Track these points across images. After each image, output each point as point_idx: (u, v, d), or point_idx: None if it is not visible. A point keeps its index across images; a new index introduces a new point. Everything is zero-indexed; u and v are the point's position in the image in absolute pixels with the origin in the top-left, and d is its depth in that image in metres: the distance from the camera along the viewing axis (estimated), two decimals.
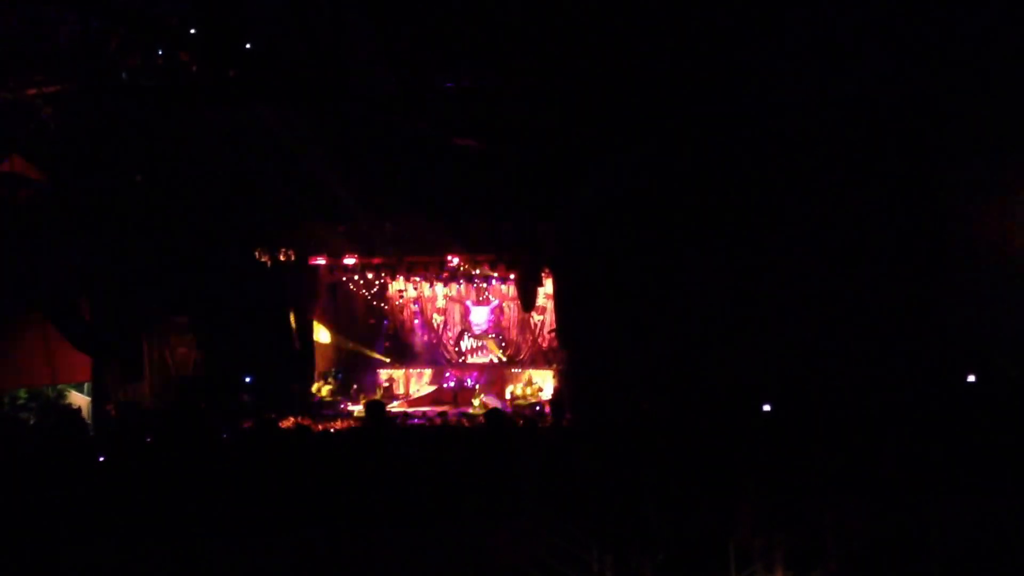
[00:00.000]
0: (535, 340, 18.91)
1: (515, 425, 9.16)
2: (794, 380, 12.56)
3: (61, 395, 15.59)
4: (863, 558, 7.05)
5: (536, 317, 18.73)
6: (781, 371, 13.27)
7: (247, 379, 18.00)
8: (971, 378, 11.64)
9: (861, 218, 13.50)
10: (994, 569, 6.79)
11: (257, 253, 16.85)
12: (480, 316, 19.50)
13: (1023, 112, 12.17)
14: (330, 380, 17.96)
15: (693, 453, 8.17)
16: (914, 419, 9.42)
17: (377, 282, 18.94)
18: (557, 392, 16.49)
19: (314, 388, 17.83)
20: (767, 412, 11.28)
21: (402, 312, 19.79)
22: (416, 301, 19.74)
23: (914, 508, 7.50)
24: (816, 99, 13.12)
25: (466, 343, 19.52)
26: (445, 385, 18.42)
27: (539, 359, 18.70)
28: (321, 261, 17.65)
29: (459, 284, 18.81)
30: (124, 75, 11.25)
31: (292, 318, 17.87)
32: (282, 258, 17.11)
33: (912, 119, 13.04)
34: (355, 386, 18.61)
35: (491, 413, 8.68)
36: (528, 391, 17.51)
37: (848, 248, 13.66)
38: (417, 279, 18.87)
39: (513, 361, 19.07)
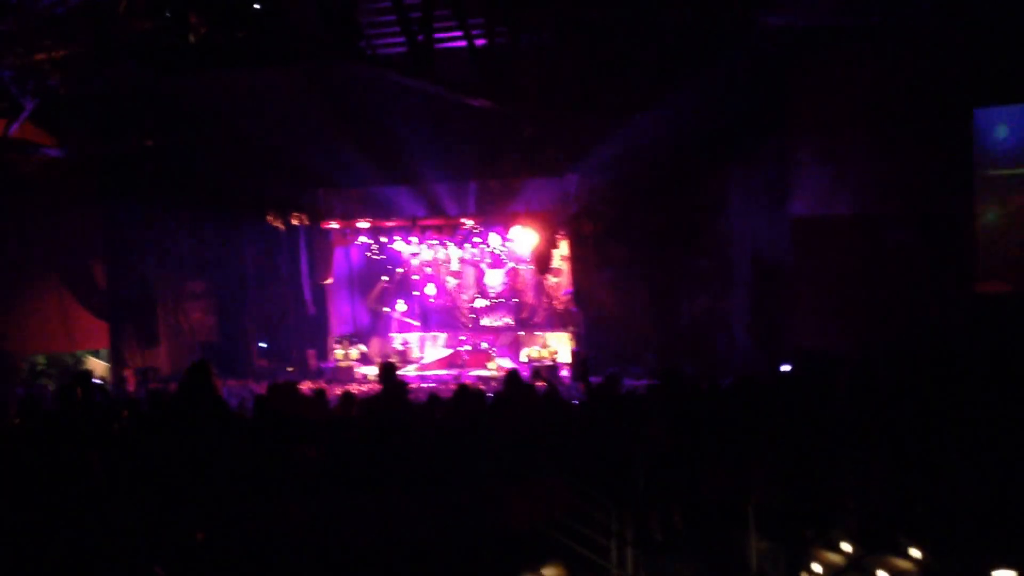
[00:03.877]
0: (550, 303, 18.84)
1: (533, 387, 9.12)
2: (816, 340, 12.50)
3: (80, 361, 15.71)
4: (882, 516, 7.02)
5: (551, 279, 18.66)
6: (803, 332, 13.21)
7: (262, 344, 18.10)
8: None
9: (886, 176, 13.29)
10: (1015, 528, 6.75)
11: (270, 217, 16.82)
12: (495, 279, 19.44)
13: None
14: (347, 344, 17.98)
15: (713, 414, 8.13)
16: (934, 378, 9.35)
17: (391, 246, 18.88)
18: (575, 355, 16.45)
19: (338, 353, 17.86)
20: (787, 372, 11.25)
21: (416, 276, 19.74)
22: (431, 264, 19.69)
23: (933, 467, 7.46)
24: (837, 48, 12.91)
25: (480, 306, 19.48)
26: (460, 348, 18.41)
27: (555, 321, 18.66)
28: (334, 225, 17.58)
29: (474, 247, 18.73)
30: (133, 38, 11.14)
31: (306, 283, 17.87)
32: (295, 222, 17.07)
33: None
34: (369, 350, 18.64)
35: (510, 375, 8.61)
36: (544, 354, 17.49)
37: (872, 204, 13.45)
38: (432, 242, 18.80)
39: (528, 324, 19.04)
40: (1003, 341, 11.36)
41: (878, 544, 7.03)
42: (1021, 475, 7.31)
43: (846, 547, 7.15)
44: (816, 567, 6.84)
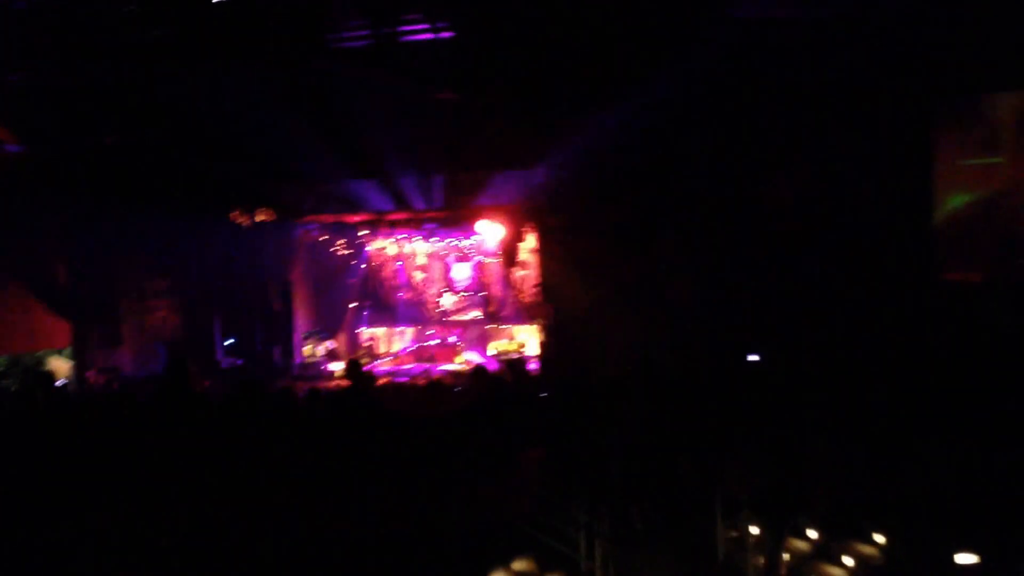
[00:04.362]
0: (518, 296, 18.86)
1: (503, 380, 9.14)
2: (782, 328, 12.64)
3: (40, 361, 15.48)
4: (848, 504, 7.12)
5: (519, 272, 18.67)
6: (768, 320, 13.34)
7: (227, 342, 17.96)
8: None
9: (854, 167, 13.49)
10: (977, 513, 6.87)
11: (235, 214, 16.67)
12: (462, 272, 19.43)
13: None
14: (315, 341, 17.90)
15: (680, 404, 8.19)
16: (902, 363, 9.49)
17: (357, 241, 18.79)
18: (543, 347, 16.49)
19: (305, 350, 17.77)
20: (753, 361, 11.35)
21: (383, 271, 19.68)
22: (397, 259, 19.63)
23: (897, 454, 7.57)
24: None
25: (448, 300, 19.46)
26: (427, 343, 18.39)
27: (522, 315, 18.69)
28: (299, 220, 17.47)
29: (440, 241, 18.70)
30: (93, 33, 10.99)
31: (271, 279, 17.75)
32: (260, 218, 16.93)
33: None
34: (336, 346, 18.56)
35: (477, 369, 8.63)
36: (511, 347, 17.52)
37: (839, 195, 13.66)
38: (398, 236, 18.74)
39: (495, 317, 19.05)
40: (971, 330, 11.56)
41: (843, 531, 7.14)
42: (983, 461, 7.45)
43: (812, 534, 7.25)
44: (783, 554, 6.93)
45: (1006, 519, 6.70)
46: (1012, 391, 8.48)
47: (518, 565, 6.78)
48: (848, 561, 7.03)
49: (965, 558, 6.46)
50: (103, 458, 6.17)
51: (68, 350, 15.91)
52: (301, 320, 18.74)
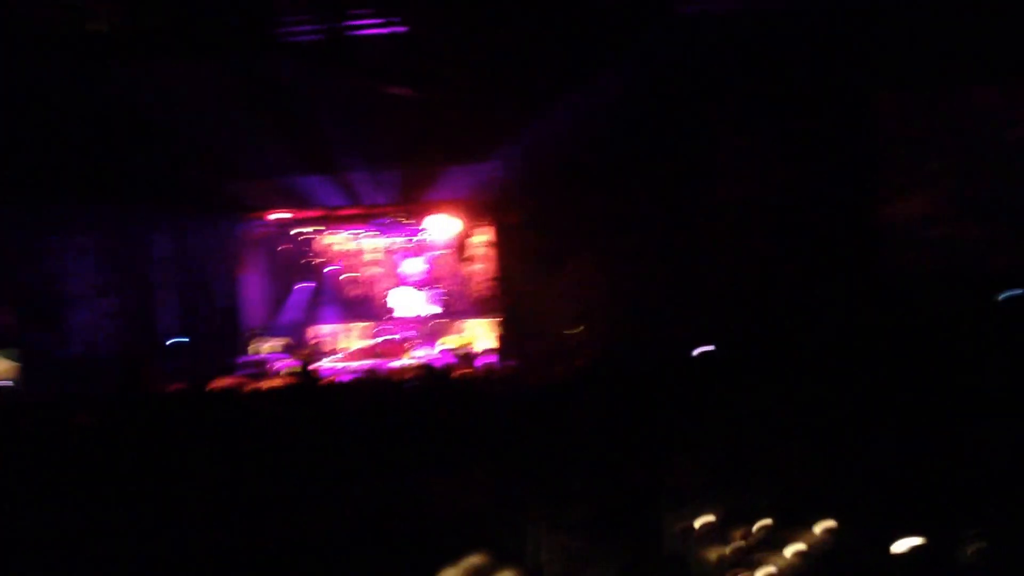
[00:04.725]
0: (471, 290, 18.84)
1: (452, 377, 9.14)
2: (730, 324, 12.81)
3: None
4: (794, 491, 7.22)
5: (472, 267, 18.67)
6: (718, 316, 13.51)
7: (172, 341, 17.71)
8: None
9: (799, 161, 13.74)
10: (919, 498, 7.02)
11: (183, 210, 16.42)
12: (414, 267, 19.35)
13: None
14: (264, 338, 17.73)
15: (628, 400, 8.25)
16: (849, 353, 9.65)
17: (307, 237, 18.63)
18: (498, 343, 16.52)
19: (252, 348, 17.59)
20: (702, 355, 11.46)
21: (333, 267, 19.52)
22: (348, 255, 19.49)
23: (842, 440, 7.71)
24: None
25: (399, 295, 19.37)
26: (378, 339, 18.29)
27: (475, 309, 18.67)
28: (250, 217, 17.27)
29: (392, 236, 18.60)
30: (34, 27, 10.77)
31: (219, 275, 17.52)
32: (209, 215, 16.70)
33: None
34: (285, 343, 18.40)
35: (426, 366, 8.62)
36: (463, 342, 17.51)
37: (787, 188, 13.90)
38: (350, 232, 18.60)
39: (448, 312, 19.01)
40: (908, 320, 11.82)
41: (789, 518, 7.23)
42: (925, 446, 7.61)
43: (760, 522, 7.33)
44: (728, 544, 7.00)
45: (949, 504, 6.85)
46: (954, 379, 8.68)
47: (468, 562, 6.76)
48: (793, 549, 7.12)
49: (905, 543, 6.59)
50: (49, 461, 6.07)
51: (10, 350, 15.63)
52: (249, 317, 18.52)
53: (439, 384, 8.24)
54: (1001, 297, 12.34)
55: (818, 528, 7.34)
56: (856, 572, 6.67)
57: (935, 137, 13.41)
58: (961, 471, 7.24)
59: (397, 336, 18.30)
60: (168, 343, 17.57)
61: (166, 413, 6.90)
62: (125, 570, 5.44)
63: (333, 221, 17.53)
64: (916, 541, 6.56)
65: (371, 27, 12.08)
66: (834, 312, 12.75)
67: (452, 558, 6.62)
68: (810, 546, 7.16)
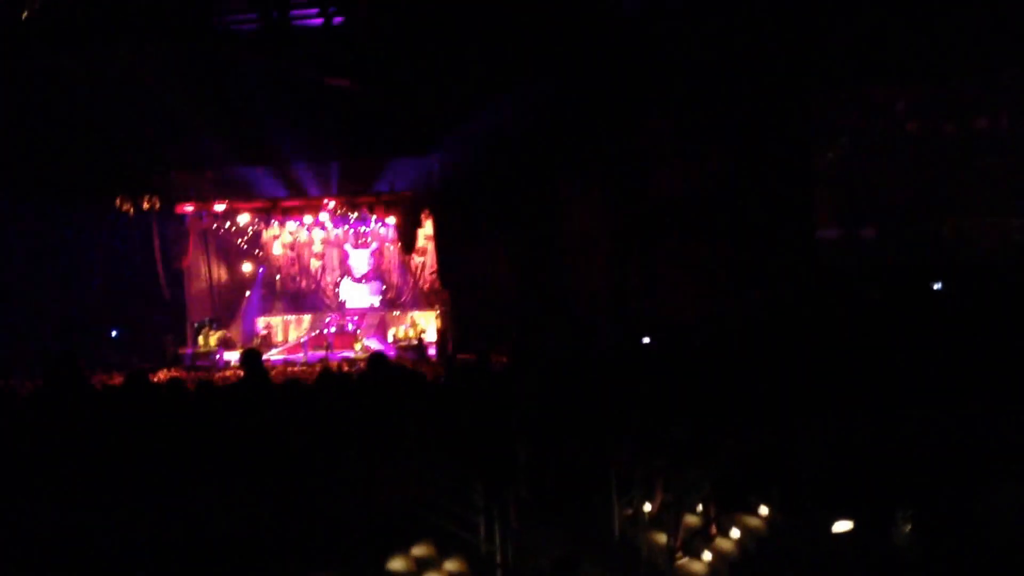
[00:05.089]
0: (416, 282, 18.84)
1: (398, 367, 9.15)
2: (674, 312, 13.04)
3: None
4: (734, 478, 7.41)
5: (417, 259, 18.65)
6: (662, 307, 13.74)
7: (114, 332, 17.44)
8: None
9: (733, 157, 14.03)
10: (851, 484, 7.27)
11: (118, 201, 16.13)
12: (360, 260, 19.28)
13: None
14: (207, 329, 17.53)
15: (575, 387, 8.35)
16: (784, 345, 9.89)
17: (250, 228, 18.43)
18: (441, 333, 16.54)
19: (199, 341, 17.39)
20: (646, 344, 11.64)
21: (278, 258, 19.36)
22: (293, 247, 19.34)
23: (783, 431, 7.93)
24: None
25: (346, 287, 19.30)
26: (326, 330, 18.20)
27: (421, 301, 18.68)
28: (189, 208, 17.03)
29: (337, 228, 18.50)
30: None
31: (160, 268, 17.27)
32: (146, 206, 16.42)
33: None
34: (231, 335, 18.21)
35: (374, 356, 8.59)
36: (411, 333, 17.50)
37: (723, 182, 14.19)
38: (293, 224, 18.45)
39: (395, 304, 18.99)
40: (842, 312, 12.18)
41: (731, 504, 7.43)
42: (857, 433, 7.86)
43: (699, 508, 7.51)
44: (675, 528, 7.17)
45: (879, 489, 7.09)
46: (886, 369, 8.98)
47: (417, 550, 6.83)
48: (735, 533, 7.31)
49: (842, 526, 6.82)
50: None
51: None
52: (194, 309, 18.28)
53: (387, 374, 8.23)
54: (931, 289, 12.76)
55: (757, 514, 7.58)
56: (795, 554, 6.89)
57: (867, 134, 13.78)
58: (894, 456, 7.51)
59: (345, 327, 18.23)
60: (111, 335, 17.32)
61: (96, 407, 6.79)
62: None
63: (277, 212, 17.38)
64: (848, 525, 6.81)
65: (310, 17, 12.01)
66: (770, 304, 13.07)
67: (401, 546, 6.69)
68: (750, 530, 7.38)
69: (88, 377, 6.33)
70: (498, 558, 6.57)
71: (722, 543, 7.15)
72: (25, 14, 10.09)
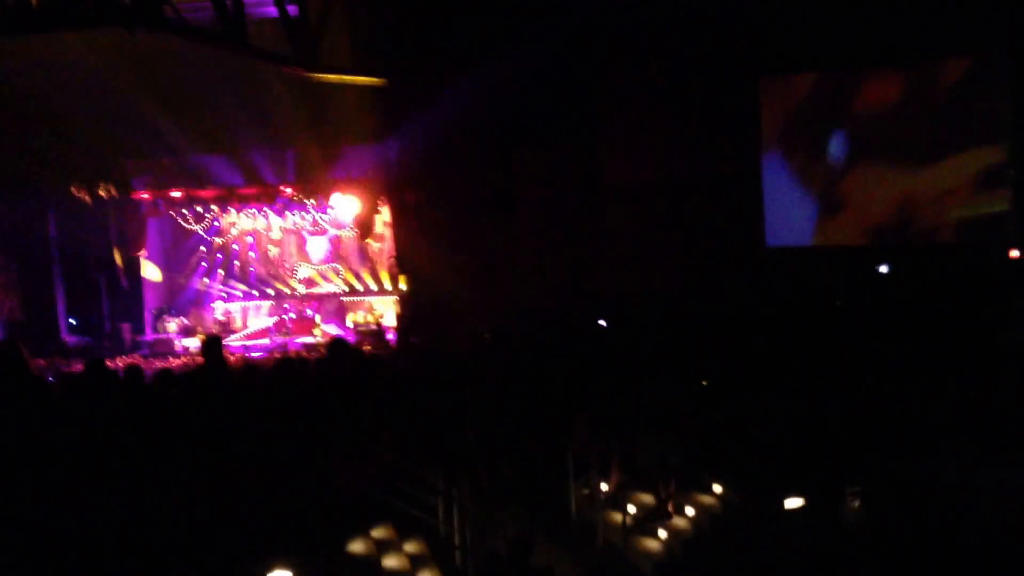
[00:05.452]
0: (375, 268, 18.82)
1: (358, 353, 9.20)
2: (628, 300, 13.22)
3: None
4: (688, 457, 7.59)
5: (375, 245, 18.61)
6: (617, 291, 13.92)
7: (72, 321, 17.29)
8: None
9: (687, 143, 14.26)
10: (800, 462, 7.48)
11: (75, 189, 15.96)
12: (317, 246, 19.21)
13: None
14: (165, 316, 17.44)
15: (531, 372, 8.47)
16: (735, 327, 10.09)
17: (207, 215, 18.29)
18: (400, 319, 16.57)
19: (157, 328, 17.30)
20: (602, 329, 11.80)
21: (236, 244, 19.23)
22: (251, 233, 19.21)
23: (731, 409, 8.14)
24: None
25: (304, 273, 19.23)
26: (285, 316, 18.15)
27: (379, 287, 18.66)
28: (145, 196, 16.90)
29: (294, 214, 18.42)
30: None
31: (117, 256, 17.13)
32: (102, 194, 16.25)
33: None
34: (190, 322, 18.11)
35: (334, 342, 8.65)
36: (370, 318, 17.52)
37: (676, 168, 14.40)
38: (251, 211, 18.34)
39: (353, 289, 18.96)
40: (791, 291, 12.44)
41: (685, 483, 7.61)
42: (807, 412, 8.07)
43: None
44: (631, 507, 7.33)
45: (828, 466, 7.31)
46: (834, 349, 9.21)
47: (377, 532, 6.91)
48: (690, 511, 7.48)
49: (793, 502, 7.02)
50: None
51: None
52: (151, 296, 18.15)
53: (347, 360, 8.28)
54: (877, 271, 13.04)
55: (712, 492, 7.76)
56: (748, 531, 7.08)
57: (818, 120, 13.98)
58: (842, 434, 7.74)
59: (304, 313, 18.19)
60: (69, 322, 17.17)
61: (40, 395, 6.77)
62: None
63: (234, 200, 17.26)
64: (799, 502, 7.02)
65: (265, 5, 11.96)
66: (721, 286, 13.31)
67: (361, 529, 6.77)
68: (705, 508, 7.57)
69: (34, 366, 6.25)
70: (456, 539, 6.68)
71: (677, 521, 7.32)
72: None
